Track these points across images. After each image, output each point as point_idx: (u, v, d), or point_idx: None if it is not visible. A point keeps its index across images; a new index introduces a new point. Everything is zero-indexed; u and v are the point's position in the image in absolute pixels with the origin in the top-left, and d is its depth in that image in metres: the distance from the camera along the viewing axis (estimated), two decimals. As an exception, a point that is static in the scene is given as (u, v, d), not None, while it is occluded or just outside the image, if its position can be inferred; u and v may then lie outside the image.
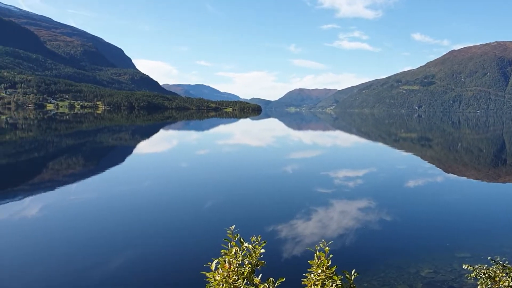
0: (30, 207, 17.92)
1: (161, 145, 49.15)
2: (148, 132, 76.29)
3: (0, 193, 21.20)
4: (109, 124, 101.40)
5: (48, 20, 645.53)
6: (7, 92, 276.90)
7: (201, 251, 12.62)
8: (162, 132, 76.83)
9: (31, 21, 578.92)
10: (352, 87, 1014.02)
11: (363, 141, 66.17)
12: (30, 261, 11.72)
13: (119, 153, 42.45)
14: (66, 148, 44.46)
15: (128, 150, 44.97)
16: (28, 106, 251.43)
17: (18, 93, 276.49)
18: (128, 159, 37.35)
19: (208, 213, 17.38)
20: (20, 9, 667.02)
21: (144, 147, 47.22)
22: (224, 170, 29.95)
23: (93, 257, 12.04)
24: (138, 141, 55.98)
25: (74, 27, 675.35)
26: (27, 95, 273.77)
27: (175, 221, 16.22)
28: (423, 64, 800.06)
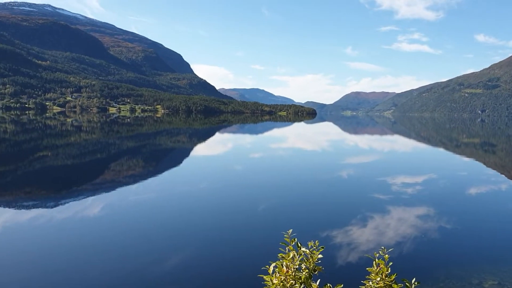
0: (93, 206, 18.77)
1: (217, 148, 49.95)
2: (204, 135, 77.79)
3: (65, 193, 22.39)
4: (168, 127, 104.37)
5: (111, 27, 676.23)
6: (73, 96, 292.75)
7: (257, 254, 12.64)
8: (217, 135, 78.09)
9: (96, 28, 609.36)
10: (412, 90, 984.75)
11: (422, 146, 63.89)
12: (93, 259, 12.24)
13: (176, 155, 43.59)
14: (127, 150, 46.22)
15: (185, 152, 46.05)
16: (92, 110, 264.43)
17: (83, 97, 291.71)
18: (185, 161, 38.24)
19: (264, 216, 17.41)
20: (86, 17, 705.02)
21: (200, 150, 48.19)
22: (278, 173, 29.94)
23: (150, 256, 12.36)
24: (195, 144, 57.22)
25: (135, 33, 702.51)
26: (91, 99, 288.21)
27: (232, 223, 16.37)
28: (487, 66, 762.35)
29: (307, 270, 3.99)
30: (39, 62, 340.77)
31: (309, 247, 4.14)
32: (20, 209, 18.09)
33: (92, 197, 20.47)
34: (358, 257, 12.46)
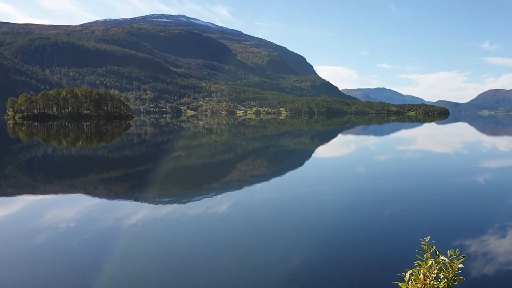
0: (221, 204, 19.68)
1: (339, 149, 49.20)
2: (326, 136, 77.30)
3: (197, 190, 23.90)
4: (291, 128, 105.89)
5: (239, 34, 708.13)
6: (204, 101, 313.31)
7: (391, 260, 12.06)
8: (340, 137, 77.00)
9: (225, 35, 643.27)
10: None
11: None
12: (221, 254, 12.77)
13: (298, 156, 43.93)
14: (252, 151, 47.89)
15: (307, 153, 46.20)
16: (221, 113, 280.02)
17: (213, 101, 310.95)
18: (308, 162, 38.31)
19: (398, 221, 16.58)
20: (216, 25, 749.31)
21: (322, 151, 47.94)
22: (405, 177, 28.38)
23: (271, 254, 12.45)
24: (317, 145, 57.12)
25: (261, 38, 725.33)
26: (220, 103, 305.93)
27: (362, 226, 15.86)
28: None
29: (445, 280, 3.65)
30: (175, 69, 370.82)
31: (448, 256, 3.79)
32: (158, 204, 19.73)
33: (221, 195, 21.51)
34: (503, 270, 11.20)
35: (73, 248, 12.99)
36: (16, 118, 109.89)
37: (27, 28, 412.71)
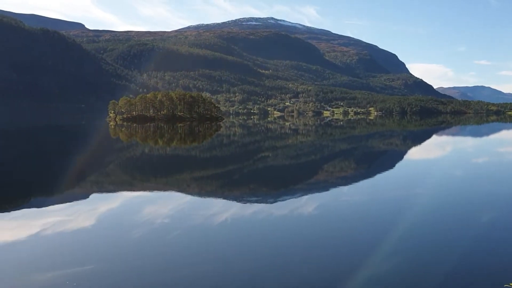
0: (307, 205, 19.73)
1: (433, 151, 46.77)
2: (419, 138, 73.78)
3: (282, 191, 24.18)
4: (380, 129, 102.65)
5: (327, 33, 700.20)
6: (291, 101, 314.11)
7: (500, 269, 11.38)
8: (434, 138, 73.13)
9: (313, 35, 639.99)
10: None
11: None
12: (309, 255, 12.86)
13: (389, 157, 42.50)
14: (339, 152, 47.26)
15: (399, 155, 44.53)
16: (307, 113, 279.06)
17: (300, 102, 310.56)
18: (399, 164, 36.93)
19: (498, 229, 15.51)
20: (304, 26, 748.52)
21: (414, 153, 45.92)
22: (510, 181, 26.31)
23: (359, 258, 12.28)
24: (409, 147, 54.80)
25: (350, 37, 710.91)
26: (307, 104, 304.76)
27: (463, 233, 15.03)
28: None
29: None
30: (263, 71, 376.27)
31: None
32: (245, 203, 20.30)
33: (307, 196, 21.54)
34: None
35: (166, 243, 13.83)
36: (116, 119, 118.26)
37: (127, 35, 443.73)
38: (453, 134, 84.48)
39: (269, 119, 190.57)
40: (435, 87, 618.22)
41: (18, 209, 18.41)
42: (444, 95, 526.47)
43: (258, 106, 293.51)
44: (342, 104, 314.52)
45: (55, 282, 10.47)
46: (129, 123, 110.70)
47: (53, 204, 19.51)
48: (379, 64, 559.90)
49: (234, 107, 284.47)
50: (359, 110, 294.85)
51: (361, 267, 11.51)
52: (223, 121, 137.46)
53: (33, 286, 10.29)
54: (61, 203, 19.72)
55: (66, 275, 10.76)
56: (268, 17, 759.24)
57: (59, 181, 26.41)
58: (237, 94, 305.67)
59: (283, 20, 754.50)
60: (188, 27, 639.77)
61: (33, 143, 59.06)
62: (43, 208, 18.70)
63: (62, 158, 39.42)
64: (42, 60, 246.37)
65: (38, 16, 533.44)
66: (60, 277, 10.70)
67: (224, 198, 21.59)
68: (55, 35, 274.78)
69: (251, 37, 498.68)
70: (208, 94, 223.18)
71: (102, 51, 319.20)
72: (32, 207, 18.96)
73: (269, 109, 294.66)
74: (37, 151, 46.75)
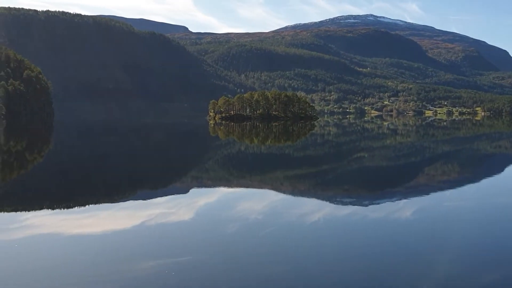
0: (405, 209, 18.79)
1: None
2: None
3: (379, 193, 23.37)
4: (488, 131, 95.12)
5: (430, 29, 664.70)
6: (390, 100, 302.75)
7: None
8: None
9: (415, 32, 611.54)
10: None
11: None
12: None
13: (497, 161, 39.12)
14: (441, 154, 44.62)
15: (508, 159, 40.92)
16: (407, 113, 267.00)
17: (400, 100, 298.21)
18: (508, 169, 33.88)
19: None
20: (405, 22, 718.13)
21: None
22: None
23: (470, 269, 11.52)
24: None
25: (455, 33, 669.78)
26: (407, 103, 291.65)
27: None
28: None
29: None
30: (360, 69, 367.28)
31: None
32: (338, 204, 19.97)
33: (405, 200, 20.45)
34: None
35: (259, 239, 14.01)
36: (216, 118, 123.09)
37: (227, 37, 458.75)
38: None
39: (365, 118, 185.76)
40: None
41: (125, 201, 19.87)
42: None
43: (354, 105, 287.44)
44: (445, 103, 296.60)
45: (155, 270, 11.09)
46: (227, 122, 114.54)
47: (156, 197, 20.78)
48: (488, 61, 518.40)
49: (329, 106, 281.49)
50: (464, 110, 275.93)
51: (478, 279, 10.75)
52: (318, 120, 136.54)
53: (134, 272, 11.00)
54: (164, 195, 20.96)
55: (165, 264, 11.37)
56: (367, 14, 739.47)
57: (162, 175, 28.19)
58: (332, 93, 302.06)
59: (383, 17, 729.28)
60: (286, 27, 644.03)
61: (141, 139, 63.69)
62: (148, 201, 19.95)
63: (166, 154, 42.00)
64: (150, 61, 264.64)
65: (146, 20, 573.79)
66: (159, 265, 11.33)
67: (317, 197, 21.41)
68: (161, 38, 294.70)
69: (349, 35, 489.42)
70: (303, 93, 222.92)
71: (203, 53, 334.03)
72: (138, 199, 20.35)
73: (366, 108, 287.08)
74: (145, 147, 50.30)
